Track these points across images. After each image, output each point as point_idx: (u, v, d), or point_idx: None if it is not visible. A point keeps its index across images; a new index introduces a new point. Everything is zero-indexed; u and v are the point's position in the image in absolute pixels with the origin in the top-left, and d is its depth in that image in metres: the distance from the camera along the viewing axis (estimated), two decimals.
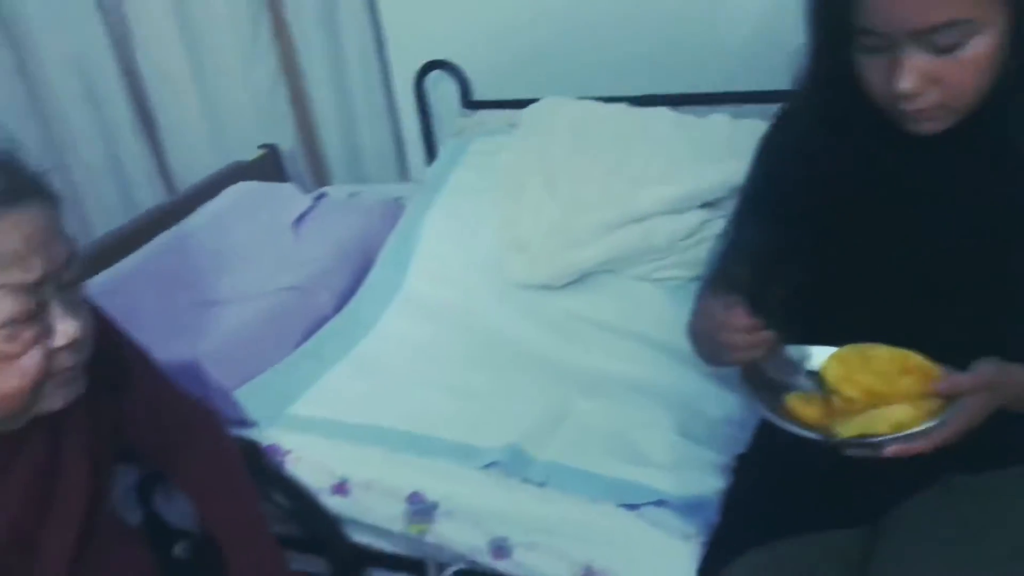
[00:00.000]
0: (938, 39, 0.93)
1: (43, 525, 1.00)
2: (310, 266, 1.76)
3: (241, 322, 1.60)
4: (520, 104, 2.10)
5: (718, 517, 1.23)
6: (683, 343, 1.52)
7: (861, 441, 0.99)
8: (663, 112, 1.86)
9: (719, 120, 1.81)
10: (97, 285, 1.62)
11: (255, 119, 2.44)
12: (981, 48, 0.95)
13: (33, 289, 0.86)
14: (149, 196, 2.48)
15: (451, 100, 2.21)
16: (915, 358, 1.03)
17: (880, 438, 0.98)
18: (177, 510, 1.42)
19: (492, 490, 1.31)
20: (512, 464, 1.33)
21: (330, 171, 2.56)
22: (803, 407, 1.06)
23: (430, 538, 1.32)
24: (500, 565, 1.28)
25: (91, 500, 1.05)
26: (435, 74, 2.21)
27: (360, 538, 1.38)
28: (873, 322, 1.10)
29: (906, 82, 0.96)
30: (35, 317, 0.87)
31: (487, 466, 1.34)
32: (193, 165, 2.47)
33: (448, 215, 1.83)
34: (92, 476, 1.05)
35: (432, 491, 1.32)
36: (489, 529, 1.29)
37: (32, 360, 0.87)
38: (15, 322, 0.85)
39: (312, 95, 2.47)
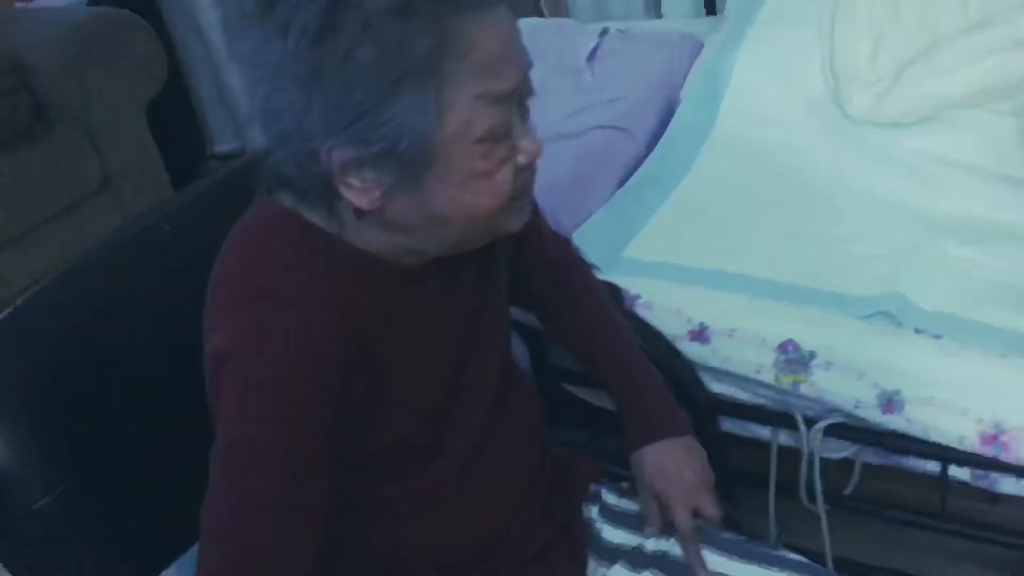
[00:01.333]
0: None
1: (471, 364, 0.96)
2: (620, 104, 1.66)
3: (564, 162, 1.52)
4: None
5: None
6: None
7: None
8: None
9: None
10: None
11: None
12: None
13: (506, 100, 0.78)
14: None
15: None
16: None
17: None
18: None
19: (879, 341, 1.21)
20: (902, 313, 1.21)
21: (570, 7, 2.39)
22: None
23: (806, 389, 1.23)
24: (889, 420, 1.18)
25: (506, 338, 1.01)
26: None
27: (718, 388, 1.31)
28: None
29: None
30: (507, 132, 0.79)
31: (870, 316, 1.23)
32: None
33: (764, 47, 1.66)
34: (506, 313, 1.00)
35: (808, 340, 1.23)
36: (877, 381, 1.19)
37: (504, 176, 0.80)
38: (491, 136, 0.78)
39: None
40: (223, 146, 2.93)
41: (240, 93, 2.69)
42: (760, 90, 1.63)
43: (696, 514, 1.03)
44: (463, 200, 0.80)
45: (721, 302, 1.30)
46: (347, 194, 0.79)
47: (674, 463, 1.06)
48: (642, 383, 1.11)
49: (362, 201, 0.79)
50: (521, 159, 0.82)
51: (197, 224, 1.10)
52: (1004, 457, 1.13)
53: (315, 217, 0.84)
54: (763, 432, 1.32)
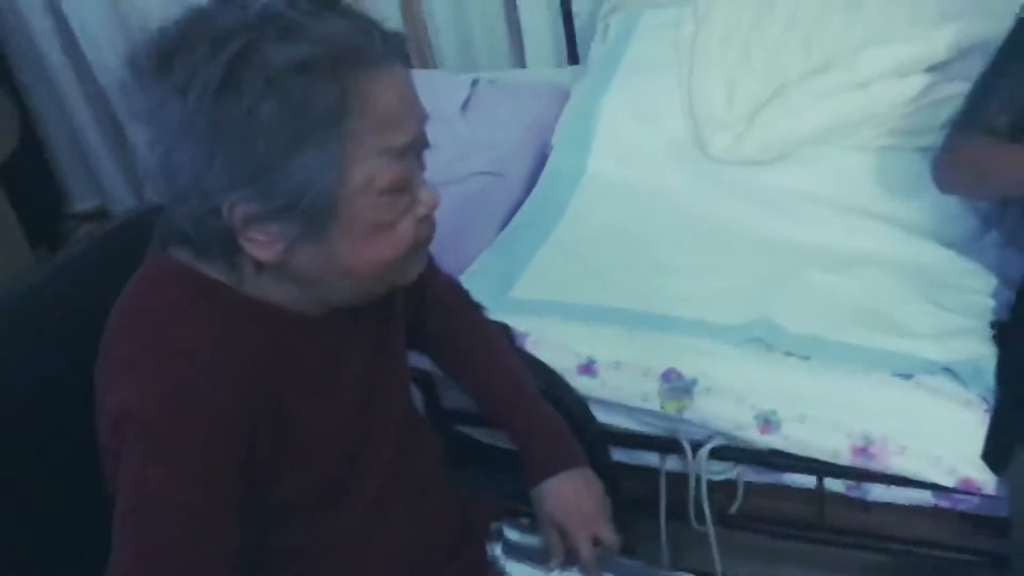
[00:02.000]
0: None
1: (374, 411, 0.97)
2: (495, 151, 1.71)
3: (444, 208, 1.54)
4: None
5: (997, 385, 1.20)
6: (910, 213, 1.49)
7: None
8: None
9: None
10: None
11: None
12: None
13: (406, 153, 0.80)
14: None
15: None
16: None
17: None
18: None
19: (754, 365, 1.28)
20: (771, 338, 1.29)
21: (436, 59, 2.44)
22: None
23: (689, 415, 1.29)
24: (768, 439, 1.26)
25: (407, 384, 1.02)
26: None
27: (608, 418, 1.36)
28: None
29: None
30: (407, 184, 0.82)
31: (743, 342, 1.30)
32: None
33: (628, 93, 1.75)
34: (406, 360, 1.01)
35: (689, 368, 1.29)
36: (754, 404, 1.26)
37: (406, 227, 0.83)
38: (393, 189, 0.80)
39: None
40: (83, 204, 2.83)
41: (101, 149, 2.61)
42: (627, 134, 1.71)
43: (596, 542, 1.07)
44: (367, 252, 0.81)
45: (605, 336, 1.35)
46: (249, 248, 0.79)
47: (573, 494, 1.10)
48: (538, 419, 1.14)
49: (265, 254, 0.79)
50: (421, 210, 0.84)
51: (79, 285, 1.07)
52: (873, 466, 1.21)
53: (213, 271, 0.84)
54: (652, 459, 1.38)
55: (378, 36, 0.78)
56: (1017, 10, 1.25)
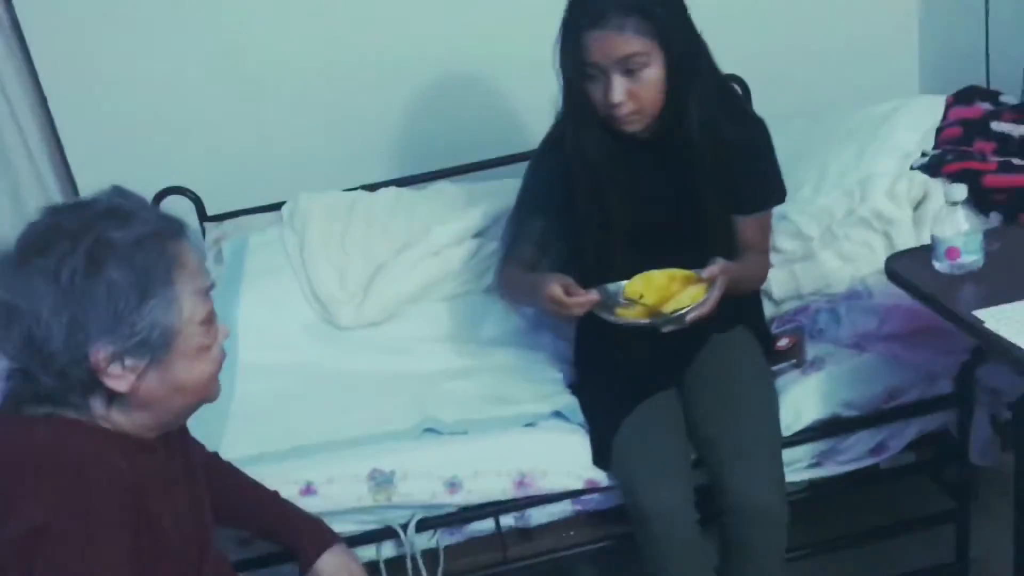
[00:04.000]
0: (628, 64, 1.58)
1: (205, 525, 1.23)
2: None
3: None
4: (250, 212, 2.49)
5: (584, 419, 1.78)
6: (491, 334, 2.07)
7: (675, 315, 1.58)
8: (392, 190, 2.39)
9: (442, 186, 2.39)
10: None
11: None
12: (652, 75, 1.62)
13: (208, 293, 1.15)
14: None
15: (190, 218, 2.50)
16: (678, 271, 1.67)
17: (685, 310, 1.58)
18: None
19: (431, 448, 1.73)
20: (437, 426, 1.75)
21: None
22: (627, 312, 1.65)
23: (396, 499, 1.67)
24: (456, 498, 1.69)
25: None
26: (170, 199, 2.47)
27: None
28: (629, 263, 1.71)
29: (616, 95, 1.60)
30: (212, 317, 1.15)
31: (420, 434, 1.74)
32: None
33: (257, 294, 2.14)
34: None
35: (386, 464, 1.68)
36: (440, 475, 1.69)
37: (217, 350, 1.16)
38: (206, 320, 1.13)
39: None
40: None
41: None
42: (266, 324, 2.09)
43: None
44: (195, 368, 1.13)
45: (313, 462, 1.69)
46: (109, 382, 1.07)
47: (344, 563, 1.44)
48: (298, 515, 1.47)
49: (121, 385, 1.07)
50: (222, 337, 1.18)
51: None
52: (531, 492, 1.70)
53: (70, 414, 1.09)
54: (370, 552, 1.71)
55: (169, 217, 1.14)
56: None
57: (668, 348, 1.71)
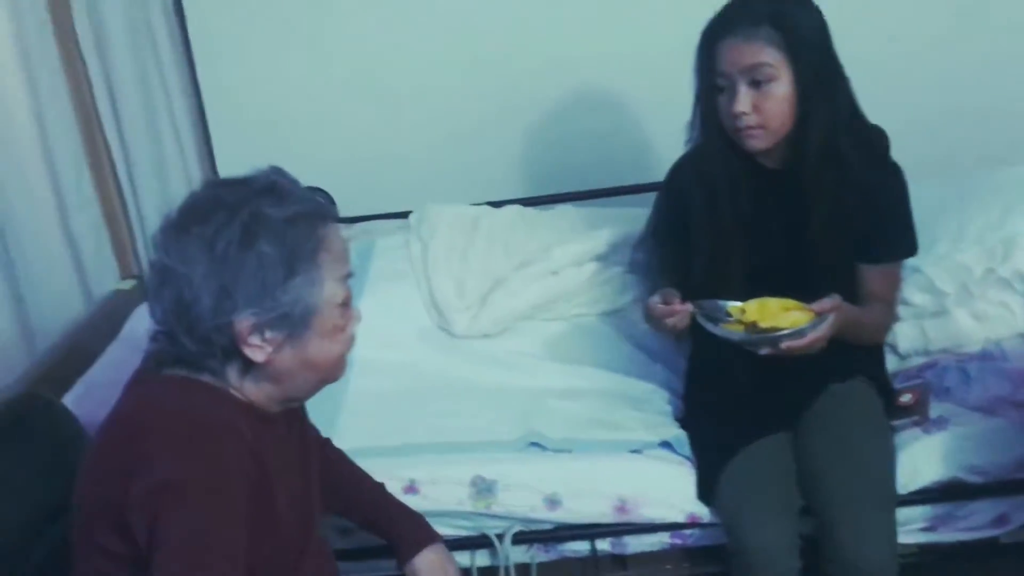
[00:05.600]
0: (755, 74, 1.57)
1: (312, 501, 1.26)
2: None
3: None
4: (378, 217, 2.57)
5: (692, 453, 1.75)
6: (600, 359, 2.06)
7: (771, 336, 1.52)
8: (516, 208, 2.43)
9: (566, 208, 2.42)
10: None
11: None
12: (779, 90, 1.59)
13: (347, 279, 1.18)
14: None
15: None
16: (792, 301, 1.59)
17: (781, 332, 1.52)
18: None
19: (534, 462, 1.73)
20: (542, 442, 1.75)
21: None
22: (729, 326, 1.60)
23: (496, 508, 1.68)
24: (554, 515, 1.69)
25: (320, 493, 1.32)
26: None
27: None
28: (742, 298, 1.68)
29: (740, 105, 1.58)
30: (349, 301, 1.19)
31: (524, 448, 1.74)
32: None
33: (379, 296, 2.19)
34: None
35: (488, 473, 1.69)
36: (541, 490, 1.69)
37: (350, 331, 1.19)
38: (344, 304, 1.17)
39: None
40: None
41: None
42: (384, 325, 2.14)
43: None
44: (328, 347, 1.17)
45: (418, 462, 1.72)
46: (248, 352, 1.11)
47: (440, 563, 1.44)
48: (402, 510, 1.48)
49: (258, 355, 1.12)
50: (355, 321, 1.21)
51: None
52: (629, 519, 1.68)
53: (205, 379, 1.13)
54: (464, 559, 1.72)
55: (324, 201, 1.18)
56: None
57: (782, 392, 1.67)
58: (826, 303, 1.56)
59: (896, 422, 1.76)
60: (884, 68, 2.24)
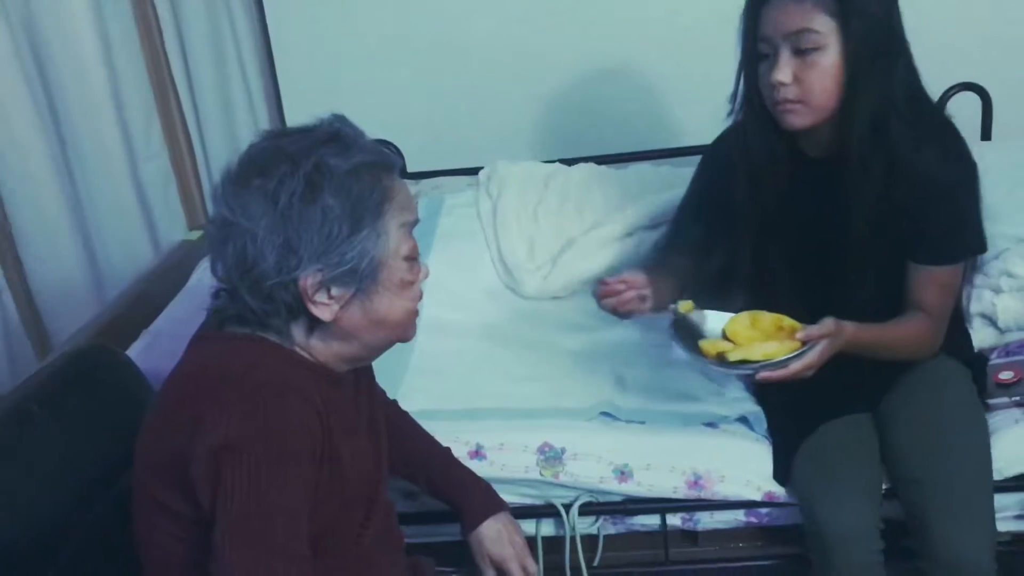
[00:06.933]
0: (800, 41, 1.41)
1: (381, 462, 1.22)
2: None
3: None
4: (447, 173, 2.51)
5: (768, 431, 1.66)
6: None
7: (742, 367, 1.40)
8: (590, 166, 2.34)
9: (641, 167, 2.32)
10: None
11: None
12: (826, 61, 1.42)
13: (412, 229, 1.12)
14: None
15: None
16: (787, 319, 1.45)
17: (755, 364, 1.38)
18: None
19: (605, 432, 1.66)
20: (614, 412, 1.68)
21: None
22: (708, 346, 1.45)
23: (563, 478, 1.62)
24: (625, 487, 1.62)
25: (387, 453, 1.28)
26: None
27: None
28: (790, 278, 1.57)
29: (780, 73, 1.43)
30: (416, 254, 1.13)
31: (594, 417, 1.68)
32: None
33: (446, 253, 2.13)
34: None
35: (557, 441, 1.63)
36: (611, 460, 1.62)
37: (418, 287, 1.14)
38: (410, 256, 1.11)
39: None
40: None
41: None
42: (451, 284, 2.08)
43: (524, 571, 1.36)
44: (397, 303, 1.11)
45: (485, 426, 1.66)
46: (314, 309, 1.06)
47: (506, 532, 1.39)
48: (469, 477, 1.44)
49: (325, 313, 1.06)
50: (422, 275, 1.16)
51: (62, 404, 1.23)
52: (704, 495, 1.61)
53: (270, 337, 1.09)
54: (529, 527, 1.66)
55: (391, 150, 1.12)
56: None
57: (862, 370, 1.56)
58: (812, 331, 1.40)
59: (993, 400, 1.65)
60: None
